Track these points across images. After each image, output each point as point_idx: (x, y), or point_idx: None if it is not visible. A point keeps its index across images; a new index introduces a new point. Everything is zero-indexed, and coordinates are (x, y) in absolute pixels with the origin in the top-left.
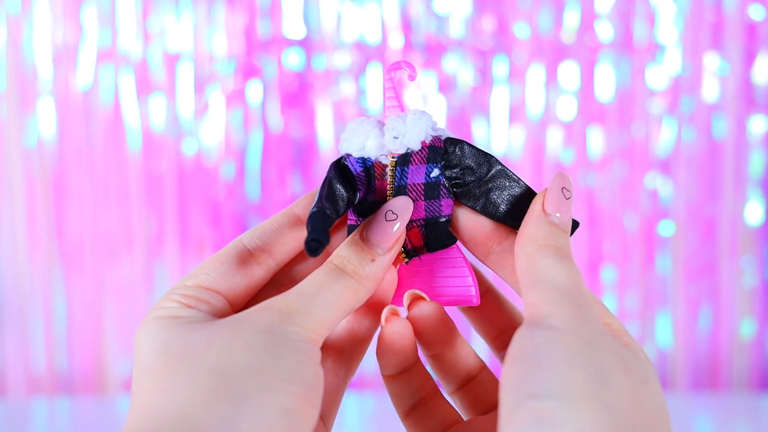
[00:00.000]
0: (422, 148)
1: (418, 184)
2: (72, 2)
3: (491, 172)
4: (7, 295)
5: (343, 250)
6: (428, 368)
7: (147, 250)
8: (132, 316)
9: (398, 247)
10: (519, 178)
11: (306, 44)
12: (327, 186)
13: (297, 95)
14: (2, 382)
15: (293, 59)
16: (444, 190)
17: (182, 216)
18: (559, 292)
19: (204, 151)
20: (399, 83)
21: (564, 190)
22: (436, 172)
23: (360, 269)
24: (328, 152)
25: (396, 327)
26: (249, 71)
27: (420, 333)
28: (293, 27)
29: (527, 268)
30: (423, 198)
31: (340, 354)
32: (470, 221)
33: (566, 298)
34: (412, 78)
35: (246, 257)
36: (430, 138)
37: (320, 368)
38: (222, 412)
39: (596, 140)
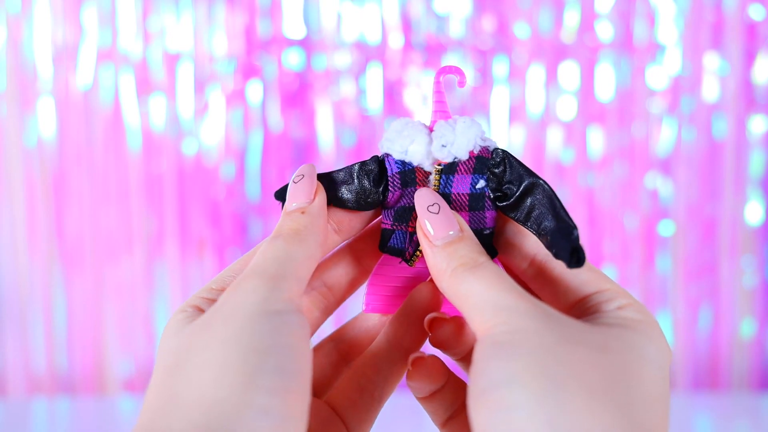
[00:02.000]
0: (470, 158)
1: (463, 194)
2: (72, 2)
3: (534, 189)
4: (7, 295)
5: (277, 225)
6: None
7: (147, 250)
8: (132, 316)
9: (321, 197)
10: (557, 202)
11: (306, 44)
12: (345, 170)
13: (297, 95)
14: (2, 382)
15: (293, 59)
16: (488, 201)
17: (182, 216)
18: (485, 309)
19: (204, 151)
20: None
21: (429, 208)
22: (481, 184)
23: (294, 225)
24: (328, 152)
25: (425, 368)
26: (249, 71)
27: (445, 348)
28: (293, 27)
29: (457, 301)
30: (467, 209)
31: (378, 371)
32: (513, 234)
33: (496, 310)
34: (461, 84)
35: None
36: (478, 148)
37: (307, 341)
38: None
39: (596, 140)
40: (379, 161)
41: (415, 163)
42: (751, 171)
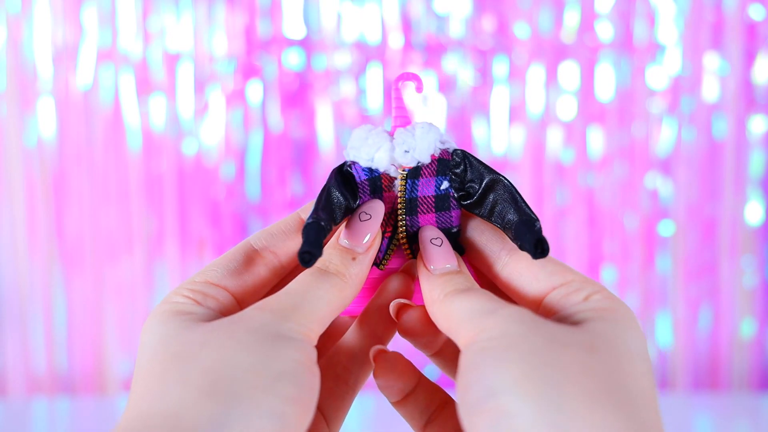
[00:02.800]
0: (431, 161)
1: (429, 196)
2: (72, 2)
3: (496, 185)
4: (7, 295)
5: (325, 253)
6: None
7: (147, 250)
8: (132, 316)
9: (376, 246)
10: (518, 196)
11: (306, 44)
12: (325, 195)
13: (297, 95)
14: (2, 382)
15: (293, 59)
16: (453, 201)
17: (182, 216)
18: (474, 318)
19: (204, 151)
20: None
21: (433, 241)
22: (445, 185)
23: (342, 268)
24: (328, 152)
25: (388, 362)
26: (249, 71)
27: (413, 335)
28: (293, 27)
29: (446, 323)
30: (434, 210)
31: (352, 359)
32: (479, 230)
33: (484, 316)
34: (419, 90)
35: (253, 256)
36: (438, 151)
37: (316, 367)
38: (212, 412)
39: (596, 140)
40: (344, 171)
41: (381, 170)
42: (751, 171)
